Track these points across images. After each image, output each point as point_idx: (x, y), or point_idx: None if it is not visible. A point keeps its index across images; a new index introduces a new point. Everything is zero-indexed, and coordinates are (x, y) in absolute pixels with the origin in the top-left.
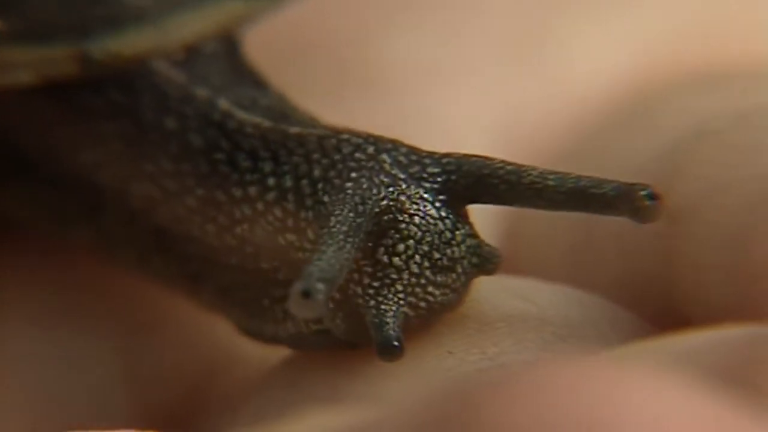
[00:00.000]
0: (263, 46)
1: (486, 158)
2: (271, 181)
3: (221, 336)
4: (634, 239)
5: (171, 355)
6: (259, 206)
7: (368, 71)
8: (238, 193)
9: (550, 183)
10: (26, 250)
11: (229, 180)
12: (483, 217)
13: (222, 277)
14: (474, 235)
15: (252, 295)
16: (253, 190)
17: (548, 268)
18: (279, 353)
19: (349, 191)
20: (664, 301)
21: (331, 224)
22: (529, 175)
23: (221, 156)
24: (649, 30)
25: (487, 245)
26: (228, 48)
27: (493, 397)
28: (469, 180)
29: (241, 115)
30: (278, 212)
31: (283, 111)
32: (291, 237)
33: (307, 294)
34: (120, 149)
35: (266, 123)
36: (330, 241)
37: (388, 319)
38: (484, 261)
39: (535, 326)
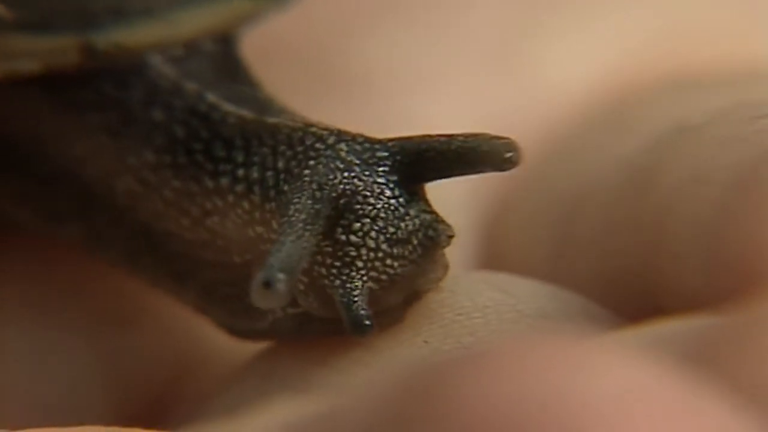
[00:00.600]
0: (246, 47)
1: (426, 136)
2: (240, 172)
3: (198, 330)
4: (615, 235)
5: (147, 349)
6: (230, 198)
7: (351, 74)
8: (210, 184)
9: (467, 146)
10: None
11: (203, 170)
12: (464, 218)
13: (203, 275)
14: (428, 211)
15: (231, 291)
16: (224, 182)
17: (530, 267)
18: (255, 347)
19: (307, 178)
20: (644, 297)
21: (290, 213)
22: (454, 142)
23: (199, 146)
24: (629, 34)
25: (442, 221)
26: (224, 47)
27: (459, 373)
28: (412, 158)
29: (227, 107)
30: (246, 205)
31: (269, 106)
32: (259, 229)
33: (267, 284)
34: (106, 142)
35: (249, 115)
36: (289, 230)
37: (356, 297)
38: (439, 234)
39: (511, 318)
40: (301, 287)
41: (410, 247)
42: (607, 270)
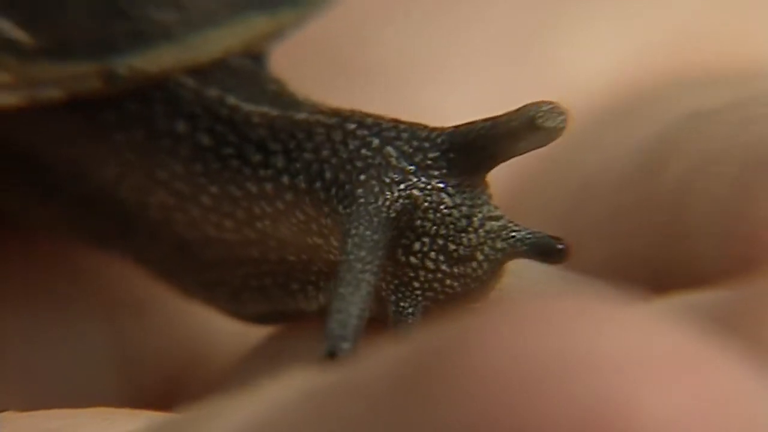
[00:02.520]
0: None
1: (469, 124)
2: (285, 179)
3: (209, 316)
4: (625, 218)
5: (159, 335)
6: (280, 205)
7: (367, 66)
8: (253, 188)
9: (513, 123)
10: (14, 237)
11: (241, 174)
12: None
13: (237, 275)
14: (495, 218)
15: (276, 281)
16: (269, 187)
17: None
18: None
19: (362, 199)
20: (655, 278)
21: (349, 250)
22: (502, 122)
23: (230, 150)
24: (644, 32)
25: (516, 227)
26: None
27: (479, 328)
28: (465, 151)
29: (249, 107)
30: (300, 215)
31: (292, 100)
32: (318, 240)
33: (333, 355)
34: (133, 159)
35: (273, 111)
36: (347, 277)
37: (407, 316)
38: (513, 244)
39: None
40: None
41: (474, 264)
42: (618, 253)
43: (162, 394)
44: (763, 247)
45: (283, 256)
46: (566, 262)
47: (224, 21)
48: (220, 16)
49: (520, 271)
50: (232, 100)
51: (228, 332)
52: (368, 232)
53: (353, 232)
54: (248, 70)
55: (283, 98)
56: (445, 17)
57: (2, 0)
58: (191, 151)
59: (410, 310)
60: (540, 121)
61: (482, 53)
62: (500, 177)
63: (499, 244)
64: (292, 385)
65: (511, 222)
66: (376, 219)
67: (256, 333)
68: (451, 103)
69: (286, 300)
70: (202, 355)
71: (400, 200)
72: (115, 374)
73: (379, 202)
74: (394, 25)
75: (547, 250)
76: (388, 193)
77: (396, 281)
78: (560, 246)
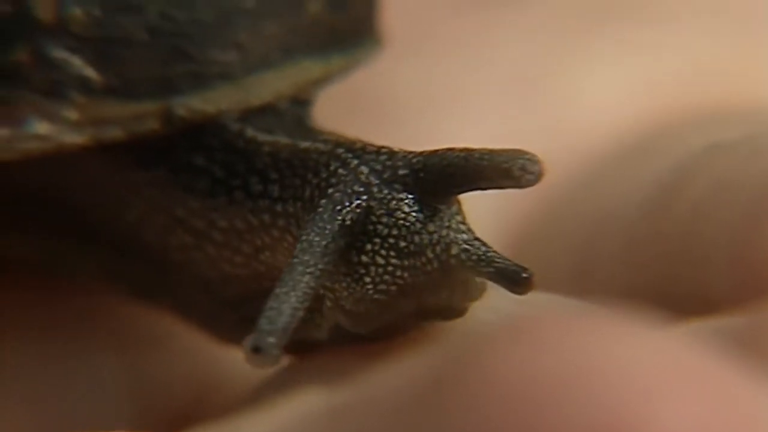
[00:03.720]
0: None
1: (448, 150)
2: (279, 207)
3: (221, 349)
4: (638, 250)
5: (171, 367)
6: (275, 233)
7: (382, 100)
8: (254, 220)
9: (485, 162)
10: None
11: (244, 207)
12: (487, 234)
13: (254, 305)
14: (457, 230)
15: None
16: (266, 217)
17: (551, 283)
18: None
19: (320, 209)
20: (670, 308)
21: (296, 254)
22: (474, 156)
23: (237, 182)
24: (655, 70)
25: (481, 245)
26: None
27: (495, 345)
28: (434, 174)
29: (263, 137)
30: (290, 238)
31: (306, 129)
32: None
33: (257, 350)
34: (155, 198)
35: (283, 140)
36: (286, 278)
37: (358, 307)
38: (473, 259)
39: None
40: (329, 304)
41: (424, 259)
42: (632, 283)
43: (175, 426)
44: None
45: None
46: (530, 291)
47: (278, 64)
48: (274, 59)
49: (532, 300)
50: (250, 132)
51: (240, 363)
52: (317, 239)
53: (303, 237)
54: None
55: (300, 128)
56: (458, 54)
57: (74, 38)
58: (206, 185)
59: (360, 309)
60: (513, 171)
61: (495, 89)
62: (520, 204)
63: (454, 250)
64: (308, 402)
65: (478, 240)
66: (328, 226)
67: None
68: (464, 139)
69: (298, 328)
70: (214, 386)
71: (358, 209)
72: (127, 407)
73: (336, 209)
74: (409, 60)
75: (511, 278)
76: (347, 202)
77: (349, 279)
78: (525, 275)
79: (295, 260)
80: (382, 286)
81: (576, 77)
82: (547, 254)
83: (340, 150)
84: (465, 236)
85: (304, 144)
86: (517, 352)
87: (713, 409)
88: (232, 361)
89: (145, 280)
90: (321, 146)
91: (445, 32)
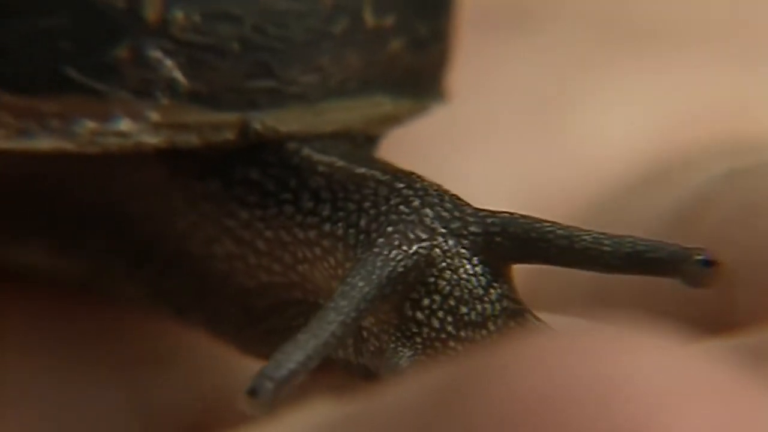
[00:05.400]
0: None
1: (534, 220)
2: (327, 227)
3: (228, 369)
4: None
5: (176, 387)
6: (317, 251)
7: (392, 133)
8: (300, 234)
9: (606, 249)
10: (34, 296)
11: (292, 220)
12: None
13: (285, 318)
14: (515, 301)
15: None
16: (312, 234)
17: (565, 306)
18: None
19: (376, 249)
20: (691, 330)
21: (334, 297)
22: (583, 240)
23: (288, 196)
24: (670, 102)
25: (527, 314)
26: None
27: (498, 361)
28: (515, 242)
29: (318, 157)
30: (332, 260)
31: (361, 155)
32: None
33: (253, 393)
34: (208, 209)
35: (339, 162)
36: (313, 324)
37: (401, 361)
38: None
39: None
40: (371, 348)
41: (484, 332)
42: (649, 309)
43: None
44: None
45: (317, 300)
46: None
47: (353, 94)
48: (350, 88)
49: (545, 325)
50: (306, 150)
51: (232, 385)
52: (361, 283)
53: (348, 279)
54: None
55: (355, 154)
56: (468, 87)
57: (171, 40)
58: (258, 197)
59: (405, 361)
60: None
61: (508, 122)
62: None
63: (512, 324)
64: (321, 413)
65: (530, 313)
66: (378, 272)
67: None
68: (473, 174)
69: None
70: (222, 402)
71: (416, 256)
72: (132, 425)
73: (392, 255)
74: None
75: None
76: (405, 246)
77: (399, 334)
78: None
79: (331, 304)
80: (430, 352)
81: (591, 109)
82: (567, 279)
83: (400, 185)
84: (521, 307)
85: (360, 169)
86: (535, 366)
87: (730, 422)
88: (240, 379)
89: (183, 294)
90: (378, 174)
91: (457, 60)
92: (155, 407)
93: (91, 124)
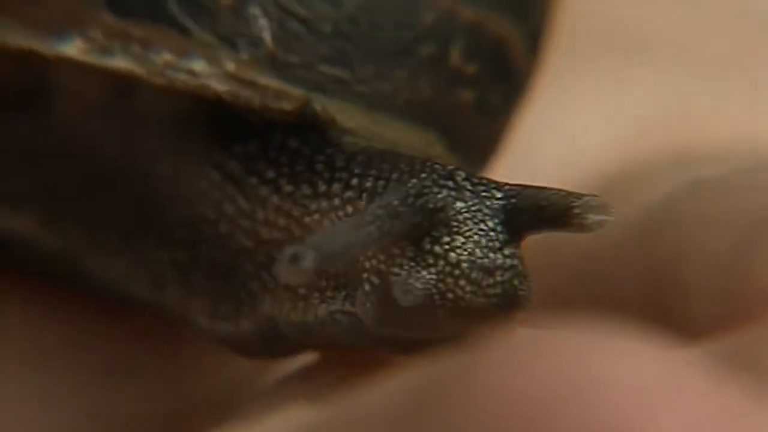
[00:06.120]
0: None
1: (542, 187)
2: (354, 181)
3: (191, 379)
4: (623, 280)
5: (138, 398)
6: (336, 201)
7: None
8: (323, 188)
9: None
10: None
11: (319, 175)
12: None
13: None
14: (522, 262)
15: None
16: (336, 187)
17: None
18: (249, 393)
19: (410, 185)
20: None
21: (371, 207)
22: (574, 201)
23: (322, 157)
24: (633, 112)
25: (529, 281)
26: None
27: (475, 366)
28: (527, 204)
29: (358, 139)
30: (350, 209)
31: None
32: None
33: (295, 259)
34: (232, 170)
35: (378, 145)
36: (353, 220)
37: (417, 283)
38: (522, 290)
39: None
40: (367, 287)
41: (491, 281)
42: (614, 313)
43: None
44: (761, 303)
45: None
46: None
47: (410, 120)
48: (410, 114)
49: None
50: (348, 138)
51: (214, 393)
52: (396, 202)
53: (385, 197)
54: None
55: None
56: None
57: (271, 2)
58: (288, 158)
59: (421, 283)
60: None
61: None
62: None
63: (516, 282)
64: (296, 417)
65: (531, 282)
66: (411, 198)
67: (244, 394)
68: None
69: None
70: (188, 415)
71: (446, 200)
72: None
73: (424, 191)
74: None
75: None
76: (437, 189)
77: (413, 263)
78: None
79: (368, 210)
80: (441, 286)
81: (556, 118)
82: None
83: (436, 165)
84: (526, 272)
85: (398, 150)
86: (517, 366)
87: (710, 422)
88: (201, 388)
89: (170, 265)
90: (415, 155)
91: None
92: (117, 418)
93: (167, 56)
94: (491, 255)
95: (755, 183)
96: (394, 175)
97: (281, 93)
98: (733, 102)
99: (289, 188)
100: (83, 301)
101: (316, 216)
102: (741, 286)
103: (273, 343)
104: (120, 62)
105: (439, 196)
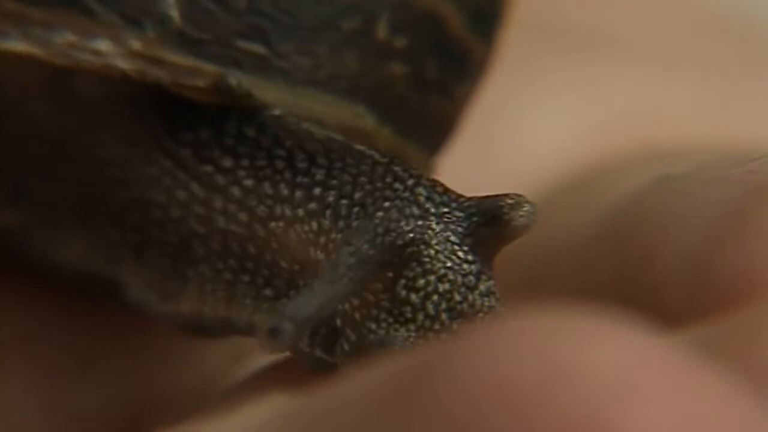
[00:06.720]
0: None
1: (499, 195)
2: (317, 191)
3: (159, 373)
4: (594, 274)
5: (103, 392)
6: (300, 212)
7: None
8: (285, 192)
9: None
10: None
11: (280, 175)
12: None
13: (216, 266)
14: (497, 297)
15: (254, 279)
16: (299, 194)
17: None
18: (220, 387)
19: (376, 220)
20: None
21: (340, 255)
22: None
23: (282, 153)
24: (600, 110)
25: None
26: None
27: (454, 352)
28: (488, 219)
29: (317, 128)
30: (315, 225)
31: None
32: (320, 255)
33: (274, 332)
34: (188, 156)
35: (337, 136)
36: (326, 274)
37: (396, 342)
38: None
39: None
40: (346, 347)
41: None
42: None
43: None
44: (734, 295)
45: (276, 259)
46: None
47: (338, 95)
48: (337, 88)
49: None
50: (306, 124)
51: (182, 388)
52: (366, 246)
53: (353, 242)
54: None
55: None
56: None
57: None
58: (249, 149)
59: (400, 342)
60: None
61: None
62: None
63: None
64: (273, 406)
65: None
66: (380, 238)
67: (213, 388)
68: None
69: (247, 306)
70: (157, 407)
71: (414, 232)
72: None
73: (392, 227)
74: None
75: None
76: (403, 222)
77: (391, 319)
78: None
79: (339, 260)
80: (421, 341)
81: (520, 117)
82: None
83: (397, 167)
84: (504, 308)
85: (359, 147)
86: (502, 351)
87: (689, 416)
88: (169, 383)
89: (123, 244)
90: (376, 155)
91: None
92: (83, 410)
93: (70, 37)
94: (470, 297)
95: (724, 177)
96: (357, 195)
97: (194, 70)
98: (698, 99)
99: (249, 182)
100: (44, 291)
101: (281, 223)
102: (712, 278)
103: (220, 327)
104: (18, 45)
105: (407, 228)
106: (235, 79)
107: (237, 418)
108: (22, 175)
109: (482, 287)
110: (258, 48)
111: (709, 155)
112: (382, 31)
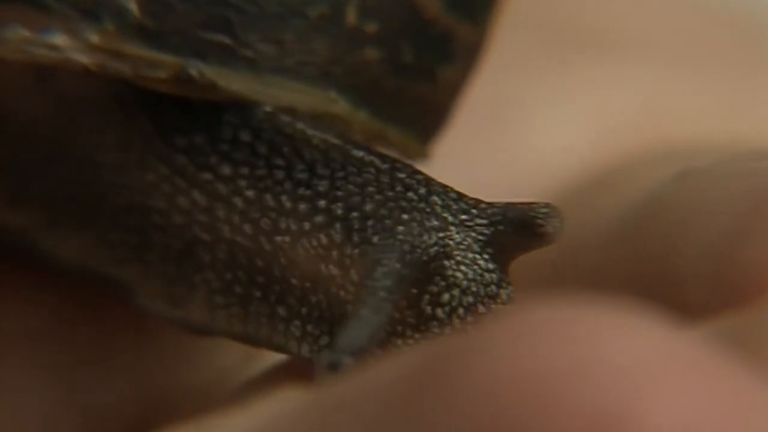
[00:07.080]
0: None
1: (528, 203)
2: (322, 203)
3: (173, 370)
4: (615, 270)
5: (120, 387)
6: (306, 226)
7: None
8: (288, 204)
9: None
10: None
11: (281, 186)
12: None
13: (224, 278)
14: (514, 302)
15: (265, 296)
16: (303, 207)
17: None
18: (231, 385)
19: (400, 236)
20: None
21: (376, 277)
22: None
23: (280, 162)
24: (614, 108)
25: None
26: None
27: (470, 345)
28: (516, 227)
29: (313, 131)
30: (324, 239)
31: (353, 139)
32: (334, 270)
33: (334, 367)
34: (184, 163)
35: (334, 140)
36: (369, 300)
37: None
38: None
39: None
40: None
41: None
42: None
43: None
44: (755, 288)
45: (286, 275)
46: None
47: (308, 80)
48: (307, 73)
49: None
50: (300, 125)
51: (195, 385)
52: (398, 265)
53: (385, 262)
54: None
55: (347, 136)
56: None
57: None
58: (246, 156)
59: None
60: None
61: (453, 128)
62: None
63: None
64: (290, 399)
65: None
66: (408, 256)
67: (225, 384)
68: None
69: (263, 324)
70: (169, 403)
71: (436, 246)
72: (73, 426)
73: (416, 242)
74: None
75: None
76: (426, 236)
77: (417, 335)
78: None
79: (378, 284)
80: None
81: (534, 118)
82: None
83: (402, 174)
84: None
85: (358, 153)
86: (518, 346)
87: (707, 408)
88: (183, 379)
89: (126, 247)
90: (377, 161)
91: None
92: (95, 406)
93: (24, 32)
94: (492, 307)
95: (743, 171)
96: (368, 207)
97: (154, 61)
98: (709, 98)
99: (251, 193)
100: (55, 290)
101: (287, 238)
102: (734, 271)
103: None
104: None
105: (430, 242)
106: (196, 69)
107: (251, 411)
108: (26, 174)
109: (503, 295)
110: (222, 38)
111: (725, 152)
112: (351, 16)
